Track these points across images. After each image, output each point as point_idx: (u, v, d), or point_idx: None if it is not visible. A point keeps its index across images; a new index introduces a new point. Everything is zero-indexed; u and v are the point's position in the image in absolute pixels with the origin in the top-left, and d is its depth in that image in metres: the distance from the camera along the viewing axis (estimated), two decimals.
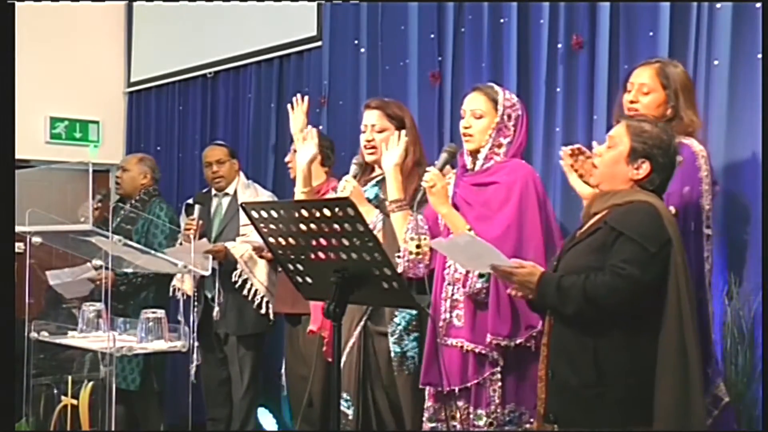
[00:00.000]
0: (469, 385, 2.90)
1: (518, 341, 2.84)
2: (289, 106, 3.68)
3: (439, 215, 3.06)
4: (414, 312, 3.12)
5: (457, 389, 2.92)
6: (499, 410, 2.86)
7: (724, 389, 2.79)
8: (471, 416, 2.91)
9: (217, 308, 4.29)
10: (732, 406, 2.81)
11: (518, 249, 2.81)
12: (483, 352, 2.87)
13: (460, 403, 2.93)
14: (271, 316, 4.37)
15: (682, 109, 2.84)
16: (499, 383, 2.87)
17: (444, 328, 2.96)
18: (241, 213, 3.99)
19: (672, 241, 2.32)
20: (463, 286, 2.91)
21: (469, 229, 2.88)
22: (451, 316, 2.96)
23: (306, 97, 3.65)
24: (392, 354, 3.14)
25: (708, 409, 2.60)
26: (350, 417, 3.20)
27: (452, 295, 2.97)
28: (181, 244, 4.30)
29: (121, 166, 4.83)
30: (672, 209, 2.64)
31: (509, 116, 2.99)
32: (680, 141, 2.70)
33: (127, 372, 4.50)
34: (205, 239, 4.28)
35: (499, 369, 2.87)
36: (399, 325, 3.15)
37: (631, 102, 2.87)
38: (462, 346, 2.92)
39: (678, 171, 2.62)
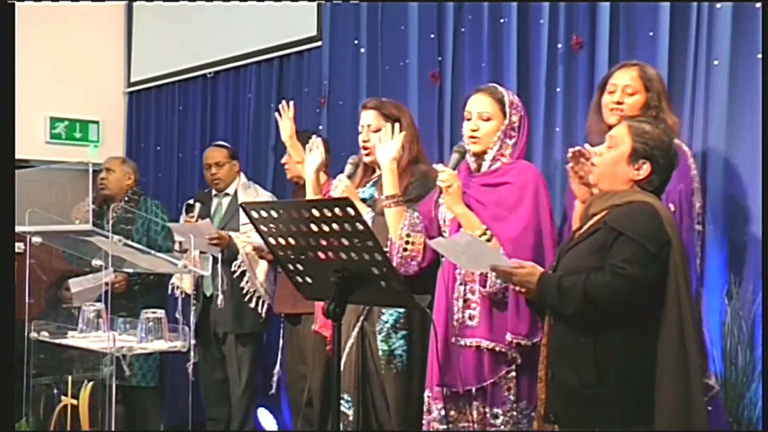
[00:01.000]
0: (485, 384, 2.90)
1: (535, 340, 2.83)
2: (276, 114, 3.70)
3: (439, 214, 3.06)
4: (401, 310, 3.12)
5: (473, 389, 2.92)
6: (514, 408, 2.87)
7: (714, 378, 2.85)
8: (487, 415, 2.90)
9: (221, 296, 4.26)
10: (721, 393, 2.87)
11: (537, 249, 2.82)
12: (503, 350, 2.87)
13: (476, 403, 2.92)
14: (262, 314, 4.37)
15: (664, 111, 2.88)
16: (514, 381, 2.88)
17: (457, 328, 2.95)
18: (241, 213, 3.99)
19: (672, 242, 2.32)
20: (483, 286, 2.89)
21: (486, 230, 2.88)
22: (463, 316, 2.95)
23: (292, 103, 3.68)
24: (380, 352, 3.14)
25: None
26: (350, 418, 3.20)
27: (465, 294, 2.96)
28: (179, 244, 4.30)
29: (106, 168, 4.83)
30: (671, 206, 2.67)
31: (514, 118, 2.99)
32: None
33: (145, 370, 4.55)
34: (208, 219, 4.29)
35: (514, 367, 2.87)
36: (386, 323, 3.15)
37: (617, 103, 2.90)
38: (479, 346, 2.91)
39: None
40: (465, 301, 2.96)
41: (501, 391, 2.89)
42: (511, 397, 2.88)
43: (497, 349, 2.88)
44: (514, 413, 2.87)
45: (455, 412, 2.96)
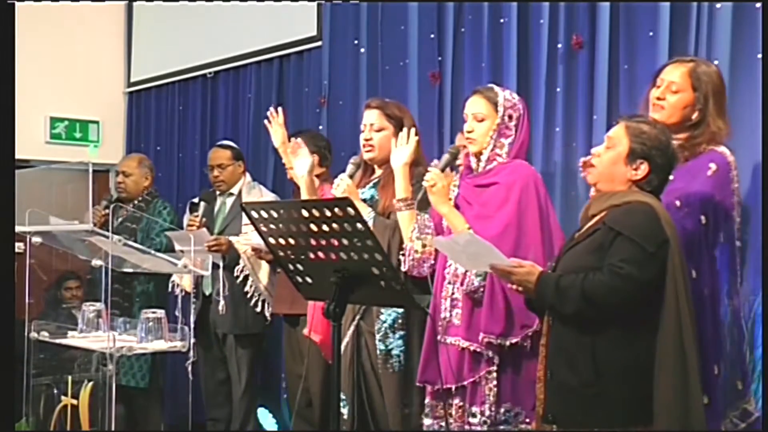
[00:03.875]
0: (465, 383, 2.92)
1: (513, 340, 2.85)
2: (265, 121, 3.70)
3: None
4: (400, 310, 3.13)
5: (453, 387, 2.93)
6: (494, 409, 2.87)
7: (755, 404, 2.73)
8: (466, 414, 2.92)
9: (222, 302, 4.26)
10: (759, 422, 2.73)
11: (517, 248, 2.82)
12: (478, 350, 2.88)
13: (455, 401, 2.95)
14: (268, 316, 4.37)
15: (710, 115, 2.74)
16: (495, 382, 2.88)
17: (444, 326, 2.97)
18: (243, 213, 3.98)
19: (669, 242, 2.32)
20: (461, 284, 2.92)
21: (468, 228, 2.89)
22: (450, 315, 2.98)
23: (280, 109, 3.68)
24: (377, 352, 3.16)
25: (735, 422, 2.59)
26: (345, 417, 3.21)
27: (452, 293, 2.98)
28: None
29: (122, 171, 4.83)
30: (703, 219, 2.61)
31: (510, 117, 3.00)
32: (713, 149, 2.67)
33: (135, 369, 4.56)
34: (205, 229, 4.29)
35: (494, 368, 2.88)
36: (384, 322, 3.16)
37: (659, 98, 2.79)
38: (459, 344, 2.93)
39: (710, 179, 2.62)
40: (452, 300, 2.97)
41: (481, 391, 2.90)
42: (491, 398, 2.88)
43: (472, 348, 2.89)
44: (493, 414, 2.87)
45: (440, 409, 3.00)
